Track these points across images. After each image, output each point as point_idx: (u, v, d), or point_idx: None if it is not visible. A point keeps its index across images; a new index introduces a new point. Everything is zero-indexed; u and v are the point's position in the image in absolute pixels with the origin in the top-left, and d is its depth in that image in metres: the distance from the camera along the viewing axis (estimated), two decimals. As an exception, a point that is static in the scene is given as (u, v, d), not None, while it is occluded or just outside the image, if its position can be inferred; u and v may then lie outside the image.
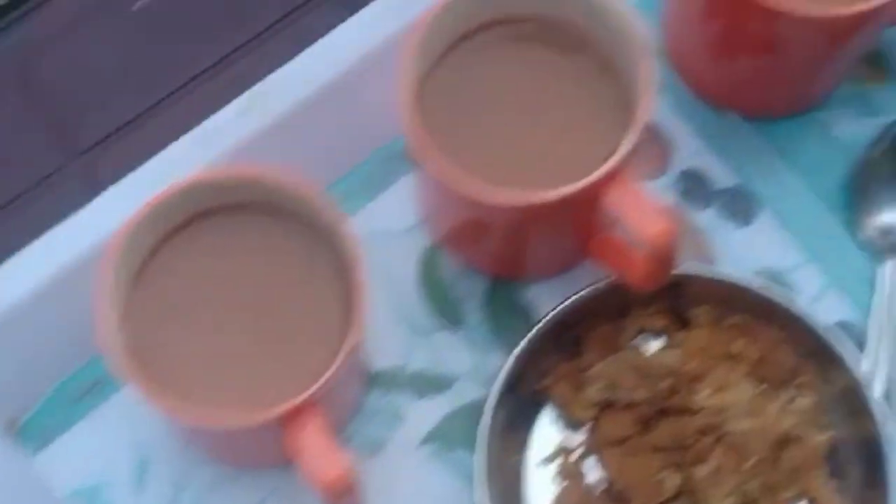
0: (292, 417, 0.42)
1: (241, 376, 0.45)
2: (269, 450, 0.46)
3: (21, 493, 0.49)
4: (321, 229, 0.45)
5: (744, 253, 0.54)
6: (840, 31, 0.49)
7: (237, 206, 0.46)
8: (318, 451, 0.42)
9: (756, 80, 0.54)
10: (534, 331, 0.50)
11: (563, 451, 0.51)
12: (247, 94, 0.52)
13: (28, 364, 0.50)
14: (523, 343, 0.50)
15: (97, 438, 0.51)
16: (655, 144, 0.55)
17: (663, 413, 0.50)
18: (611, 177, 0.45)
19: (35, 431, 0.51)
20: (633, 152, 0.45)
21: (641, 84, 0.46)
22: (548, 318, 0.50)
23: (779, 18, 0.48)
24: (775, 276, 0.53)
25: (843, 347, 0.50)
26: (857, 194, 0.54)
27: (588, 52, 0.48)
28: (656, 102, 0.51)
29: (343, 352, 0.43)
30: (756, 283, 0.51)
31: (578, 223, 0.49)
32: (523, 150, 0.47)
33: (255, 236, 0.46)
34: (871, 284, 0.53)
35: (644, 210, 0.45)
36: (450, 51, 0.48)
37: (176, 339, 0.45)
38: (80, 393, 0.51)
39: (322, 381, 0.43)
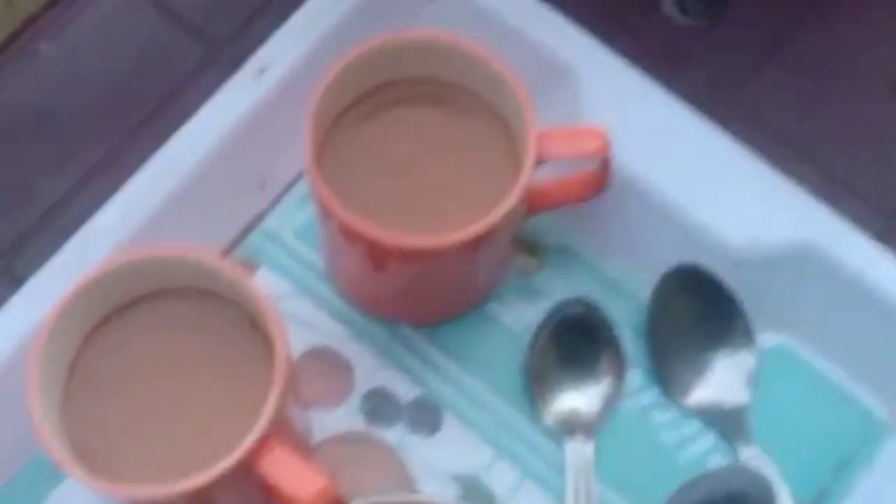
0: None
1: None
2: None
3: None
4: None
5: (435, 462, 0.56)
6: (450, 255, 0.52)
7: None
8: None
9: (411, 296, 0.56)
10: None
11: None
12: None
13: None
14: None
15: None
16: (337, 370, 0.57)
17: None
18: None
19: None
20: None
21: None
22: None
23: (390, 251, 0.51)
24: (471, 479, 0.55)
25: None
26: (532, 383, 0.57)
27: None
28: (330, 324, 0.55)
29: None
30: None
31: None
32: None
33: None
34: (561, 468, 0.55)
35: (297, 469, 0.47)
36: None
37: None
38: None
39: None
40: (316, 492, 0.46)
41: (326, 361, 0.57)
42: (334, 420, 0.56)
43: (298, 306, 0.58)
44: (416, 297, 0.57)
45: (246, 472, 0.46)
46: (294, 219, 0.60)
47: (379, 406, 0.57)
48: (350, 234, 0.51)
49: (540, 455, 0.56)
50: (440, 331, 0.58)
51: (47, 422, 0.46)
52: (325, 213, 0.51)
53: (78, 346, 0.49)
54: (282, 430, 0.47)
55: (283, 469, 0.46)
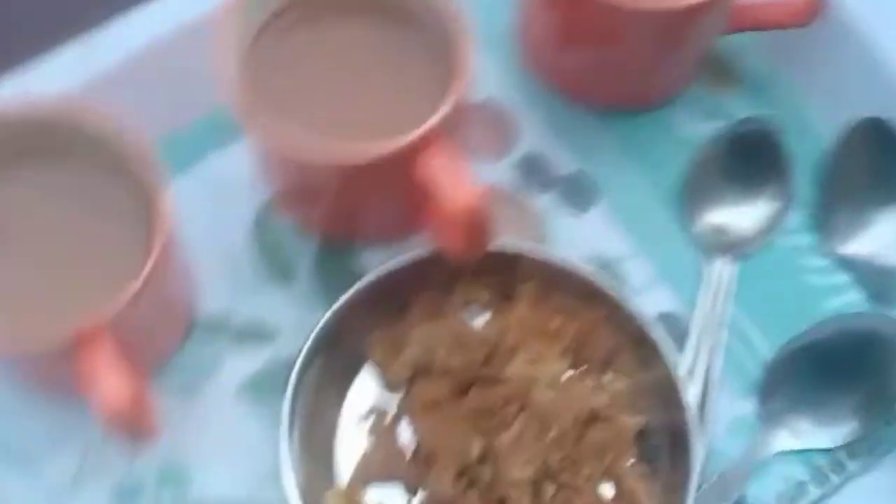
0: (84, 342, 0.43)
1: (42, 306, 0.45)
2: (65, 379, 0.46)
3: None
4: (124, 165, 0.46)
5: (577, 239, 0.55)
6: (673, 24, 0.51)
7: (42, 148, 0.47)
8: (105, 376, 0.43)
9: (599, 72, 0.55)
10: (355, 288, 0.51)
11: (376, 410, 0.51)
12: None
13: None
14: (343, 298, 0.50)
15: None
16: (497, 126, 0.57)
17: (476, 381, 0.51)
18: (425, 143, 0.46)
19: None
20: (451, 124, 0.47)
21: (459, 60, 0.47)
22: (371, 277, 0.51)
23: (611, 12, 0.50)
24: (606, 265, 0.55)
25: (662, 338, 0.51)
26: (691, 192, 0.56)
27: (414, 26, 0.49)
28: (501, 85, 0.53)
29: (139, 278, 0.44)
30: (583, 267, 0.52)
31: (405, 189, 0.50)
32: (346, 114, 0.48)
33: (64, 177, 0.47)
34: (699, 280, 0.55)
35: (456, 181, 0.46)
36: (273, 19, 0.49)
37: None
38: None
39: (117, 304, 0.44)
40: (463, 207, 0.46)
41: (493, 113, 0.57)
42: (488, 172, 0.56)
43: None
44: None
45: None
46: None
47: (534, 170, 0.56)
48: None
49: (681, 262, 0.55)
50: (615, 121, 0.57)
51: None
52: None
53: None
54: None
55: (446, 169, 0.46)
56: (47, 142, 0.47)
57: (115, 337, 0.43)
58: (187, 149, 0.55)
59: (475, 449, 0.49)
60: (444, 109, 0.46)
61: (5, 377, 0.51)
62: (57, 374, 0.47)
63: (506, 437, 0.49)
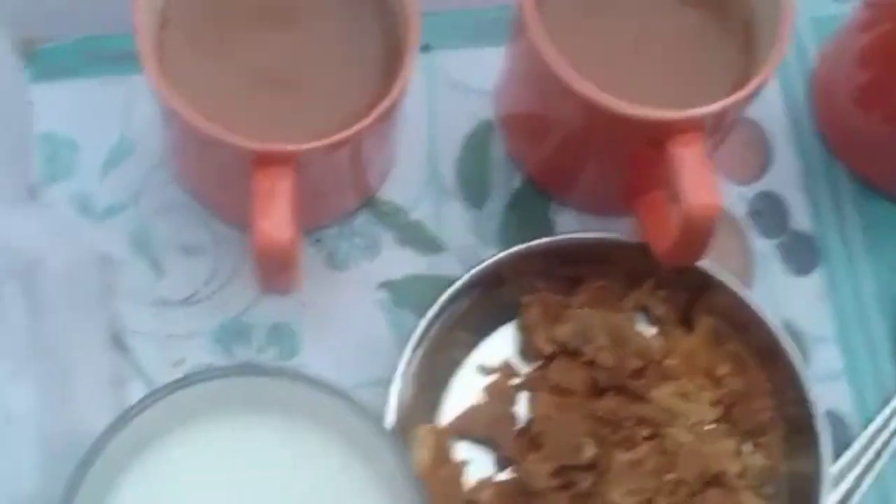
0: (266, 161, 0.41)
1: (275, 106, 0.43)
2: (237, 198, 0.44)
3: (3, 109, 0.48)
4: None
5: (781, 298, 0.51)
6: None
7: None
8: (278, 205, 0.40)
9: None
10: (536, 241, 0.47)
11: (505, 369, 0.48)
12: None
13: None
14: (519, 247, 0.47)
15: (96, 99, 0.50)
16: (751, 149, 0.53)
17: (616, 389, 0.47)
18: (688, 126, 0.42)
19: (45, 63, 0.50)
20: (724, 119, 0.43)
21: (761, 59, 0.44)
22: (555, 238, 0.48)
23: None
24: (797, 336, 0.50)
25: (823, 433, 0.46)
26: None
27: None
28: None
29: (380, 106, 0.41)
30: (774, 323, 0.47)
31: (637, 165, 0.46)
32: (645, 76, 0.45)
33: None
34: (885, 394, 0.50)
35: (701, 179, 0.42)
36: None
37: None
38: (104, 56, 0.50)
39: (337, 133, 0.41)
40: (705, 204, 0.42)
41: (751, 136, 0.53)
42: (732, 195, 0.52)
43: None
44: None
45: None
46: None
47: (770, 211, 0.52)
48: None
49: (875, 371, 0.50)
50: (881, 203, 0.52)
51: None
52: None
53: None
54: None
55: (696, 162, 0.42)
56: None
57: (304, 174, 0.41)
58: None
59: (587, 453, 0.45)
60: (732, 99, 0.43)
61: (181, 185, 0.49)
62: (233, 188, 0.44)
63: (624, 457, 0.45)
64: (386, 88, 0.42)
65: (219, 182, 0.46)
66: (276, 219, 0.40)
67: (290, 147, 0.41)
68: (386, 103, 0.42)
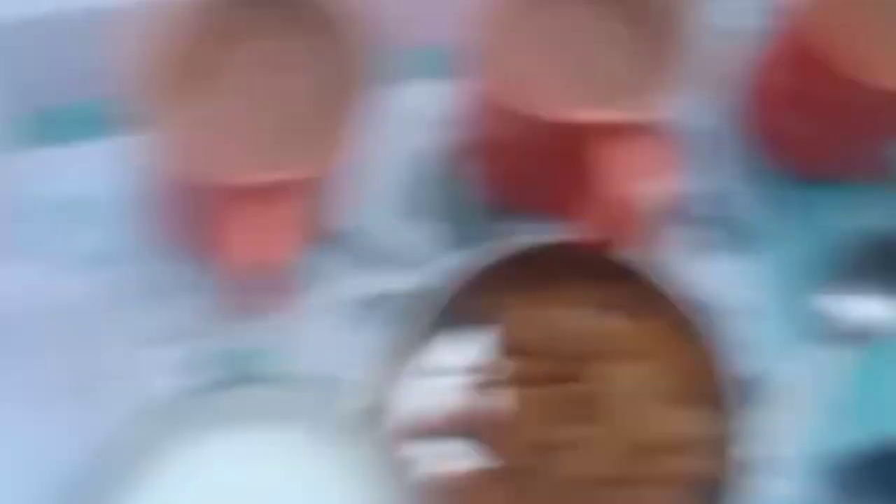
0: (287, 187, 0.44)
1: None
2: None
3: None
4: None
5: (707, 277, 0.56)
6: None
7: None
8: (279, 229, 0.44)
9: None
10: (495, 249, 0.53)
11: (474, 368, 0.53)
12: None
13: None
14: (479, 257, 0.53)
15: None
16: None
17: (572, 376, 0.53)
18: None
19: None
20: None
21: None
22: (513, 245, 0.53)
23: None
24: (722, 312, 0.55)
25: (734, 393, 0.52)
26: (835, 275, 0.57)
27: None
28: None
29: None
30: (702, 303, 0.53)
31: (568, 166, 0.51)
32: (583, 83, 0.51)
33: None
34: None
35: (643, 168, 0.48)
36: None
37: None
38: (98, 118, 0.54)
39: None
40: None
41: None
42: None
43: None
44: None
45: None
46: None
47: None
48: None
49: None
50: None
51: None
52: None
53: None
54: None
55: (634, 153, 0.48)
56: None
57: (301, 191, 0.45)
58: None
59: (555, 434, 0.51)
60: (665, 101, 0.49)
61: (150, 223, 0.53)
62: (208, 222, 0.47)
63: (582, 433, 0.51)
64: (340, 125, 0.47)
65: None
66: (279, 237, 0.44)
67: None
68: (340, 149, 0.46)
